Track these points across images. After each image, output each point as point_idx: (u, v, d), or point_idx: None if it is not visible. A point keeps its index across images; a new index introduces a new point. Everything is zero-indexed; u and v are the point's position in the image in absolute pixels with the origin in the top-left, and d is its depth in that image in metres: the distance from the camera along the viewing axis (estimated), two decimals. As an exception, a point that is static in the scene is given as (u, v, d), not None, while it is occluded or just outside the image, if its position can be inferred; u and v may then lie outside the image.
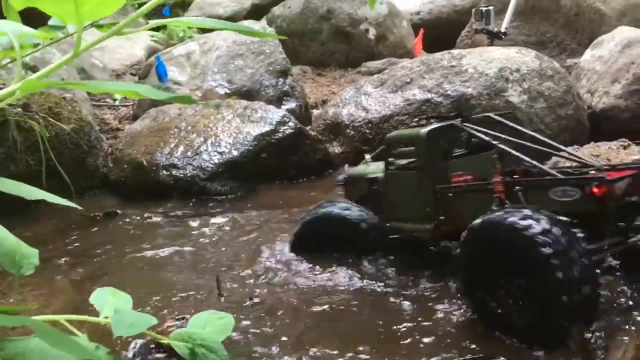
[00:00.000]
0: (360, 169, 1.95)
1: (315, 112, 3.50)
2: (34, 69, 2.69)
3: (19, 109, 2.42)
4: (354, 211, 1.66)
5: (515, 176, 1.49)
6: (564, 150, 1.60)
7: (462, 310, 1.34)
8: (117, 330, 0.81)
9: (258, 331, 1.29)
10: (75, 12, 0.61)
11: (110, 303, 0.89)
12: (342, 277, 1.59)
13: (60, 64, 0.66)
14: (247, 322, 1.34)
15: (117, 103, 3.65)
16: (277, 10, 4.92)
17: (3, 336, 0.74)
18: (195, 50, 3.41)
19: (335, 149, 2.86)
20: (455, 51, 3.02)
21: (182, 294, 1.54)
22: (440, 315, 1.36)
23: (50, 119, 2.50)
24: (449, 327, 1.31)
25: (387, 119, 2.82)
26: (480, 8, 3.55)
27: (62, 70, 2.70)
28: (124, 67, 5.12)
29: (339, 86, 4.04)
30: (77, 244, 1.89)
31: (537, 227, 1.11)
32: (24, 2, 0.57)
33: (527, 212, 1.17)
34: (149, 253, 1.79)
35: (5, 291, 1.51)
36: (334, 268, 1.66)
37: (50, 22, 1.33)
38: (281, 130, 2.64)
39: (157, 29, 5.93)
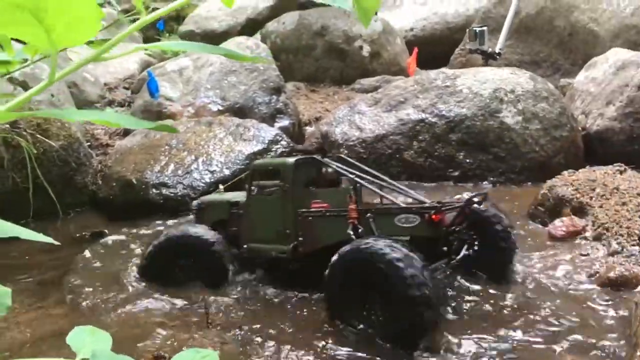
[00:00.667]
0: (216, 196, 2.02)
1: (308, 129, 3.47)
2: (23, 84, 2.63)
3: (7, 126, 2.37)
4: (208, 233, 1.73)
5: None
6: (403, 189, 1.82)
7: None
8: (94, 376, 0.76)
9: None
10: (46, 38, 0.58)
11: (89, 343, 0.84)
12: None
13: (32, 93, 0.62)
14: (238, 354, 1.29)
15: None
16: (271, 25, 4.92)
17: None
18: (189, 66, 3.38)
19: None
20: (449, 71, 3.01)
21: (170, 324, 1.48)
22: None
23: (39, 136, 2.46)
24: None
25: (381, 139, 2.79)
26: (474, 28, 3.56)
27: (53, 85, 2.66)
28: (117, 81, 5.07)
29: (333, 103, 4.01)
30: (60, 268, 1.83)
31: (398, 254, 1.30)
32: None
33: (387, 242, 1.35)
34: (133, 278, 1.74)
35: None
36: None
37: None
38: (274, 149, 2.61)
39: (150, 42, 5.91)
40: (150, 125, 0.64)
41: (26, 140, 2.30)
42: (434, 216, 1.46)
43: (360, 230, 1.52)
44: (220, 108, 3.12)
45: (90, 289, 1.72)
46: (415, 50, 3.28)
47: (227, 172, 2.52)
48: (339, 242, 1.46)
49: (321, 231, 1.62)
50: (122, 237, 2.20)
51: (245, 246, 1.77)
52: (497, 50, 3.47)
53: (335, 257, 1.40)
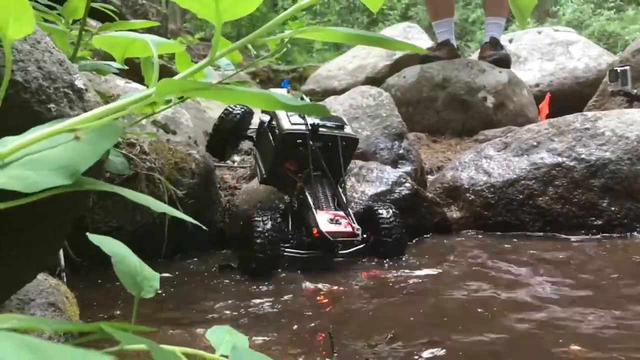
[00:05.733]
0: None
1: (430, 177, 3.37)
2: (164, 127, 2.85)
3: (149, 164, 2.55)
4: None
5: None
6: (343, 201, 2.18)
7: None
8: (234, 368, 0.73)
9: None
10: (215, 7, 0.58)
11: (227, 342, 0.81)
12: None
13: (200, 67, 0.63)
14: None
15: (235, 164, 3.79)
16: (391, 79, 4.97)
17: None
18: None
19: (454, 213, 2.70)
20: (589, 113, 2.79)
21: (292, 351, 1.43)
22: None
23: (176, 173, 2.62)
24: None
25: (512, 183, 2.62)
26: (616, 68, 3.32)
27: (191, 130, 2.82)
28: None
29: (455, 153, 3.90)
30: (189, 295, 1.87)
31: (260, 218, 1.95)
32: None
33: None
34: (254, 305, 1.73)
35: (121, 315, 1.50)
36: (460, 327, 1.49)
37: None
38: (397, 190, 2.54)
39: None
40: (301, 104, 0.61)
41: (165, 178, 2.44)
42: (314, 231, 1.95)
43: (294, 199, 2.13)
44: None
45: (213, 316, 1.72)
46: (548, 95, 3.11)
47: (350, 211, 2.49)
48: None
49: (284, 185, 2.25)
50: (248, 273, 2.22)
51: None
52: (643, 92, 3.19)
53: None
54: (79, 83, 0.94)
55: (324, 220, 1.98)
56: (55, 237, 1.01)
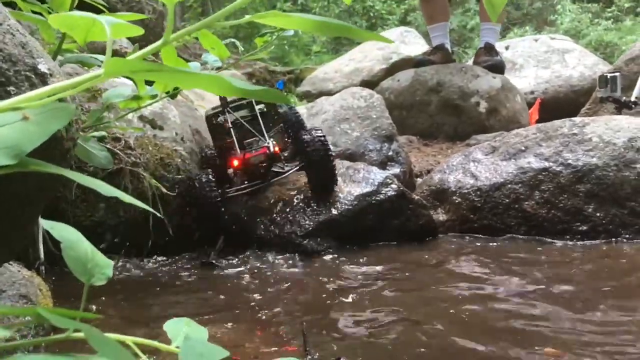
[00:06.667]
0: None
1: (419, 180, 3.37)
2: (152, 122, 2.83)
3: (134, 159, 2.54)
4: None
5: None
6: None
7: None
8: (185, 359, 0.72)
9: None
10: None
11: (185, 333, 0.80)
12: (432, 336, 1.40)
13: (152, 49, 0.62)
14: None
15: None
16: (385, 83, 4.97)
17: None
18: (303, 114, 3.48)
19: (440, 216, 2.69)
20: (577, 119, 2.79)
21: (265, 350, 1.42)
22: None
23: (161, 169, 2.61)
24: None
25: (499, 187, 2.61)
26: (605, 74, 3.32)
27: (179, 127, 2.81)
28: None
29: (446, 157, 3.89)
30: (168, 292, 1.86)
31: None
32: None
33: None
34: (233, 305, 1.71)
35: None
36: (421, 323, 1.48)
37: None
38: (383, 191, 2.53)
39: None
40: (258, 89, 0.59)
41: (149, 173, 2.43)
42: (235, 160, 2.24)
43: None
44: (332, 154, 3.13)
45: (193, 312, 1.71)
46: (538, 100, 3.12)
47: (334, 211, 2.48)
48: None
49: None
50: (230, 269, 2.21)
51: None
52: (632, 99, 3.19)
53: None
54: (43, 67, 0.93)
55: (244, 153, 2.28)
56: (22, 220, 0.99)
